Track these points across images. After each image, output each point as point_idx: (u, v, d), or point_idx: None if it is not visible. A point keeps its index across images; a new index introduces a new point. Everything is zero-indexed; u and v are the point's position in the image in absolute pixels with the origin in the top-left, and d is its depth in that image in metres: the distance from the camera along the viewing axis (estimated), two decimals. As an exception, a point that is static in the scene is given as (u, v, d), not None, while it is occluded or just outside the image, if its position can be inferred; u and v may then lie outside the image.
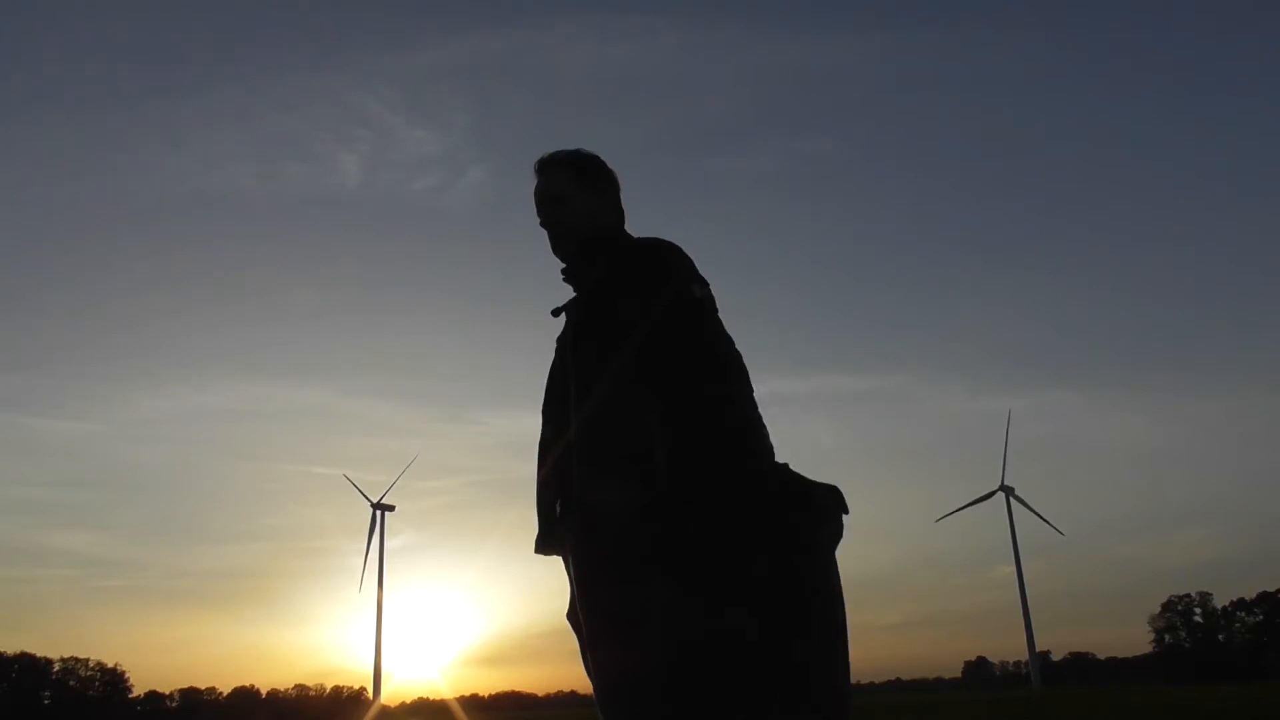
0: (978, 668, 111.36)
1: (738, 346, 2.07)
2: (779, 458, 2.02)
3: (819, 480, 1.96)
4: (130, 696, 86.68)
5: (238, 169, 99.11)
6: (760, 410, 2.06)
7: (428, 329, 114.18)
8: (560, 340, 2.15)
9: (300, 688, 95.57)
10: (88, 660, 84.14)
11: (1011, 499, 49.32)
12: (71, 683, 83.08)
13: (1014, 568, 50.42)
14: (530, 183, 2.23)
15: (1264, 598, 78.07)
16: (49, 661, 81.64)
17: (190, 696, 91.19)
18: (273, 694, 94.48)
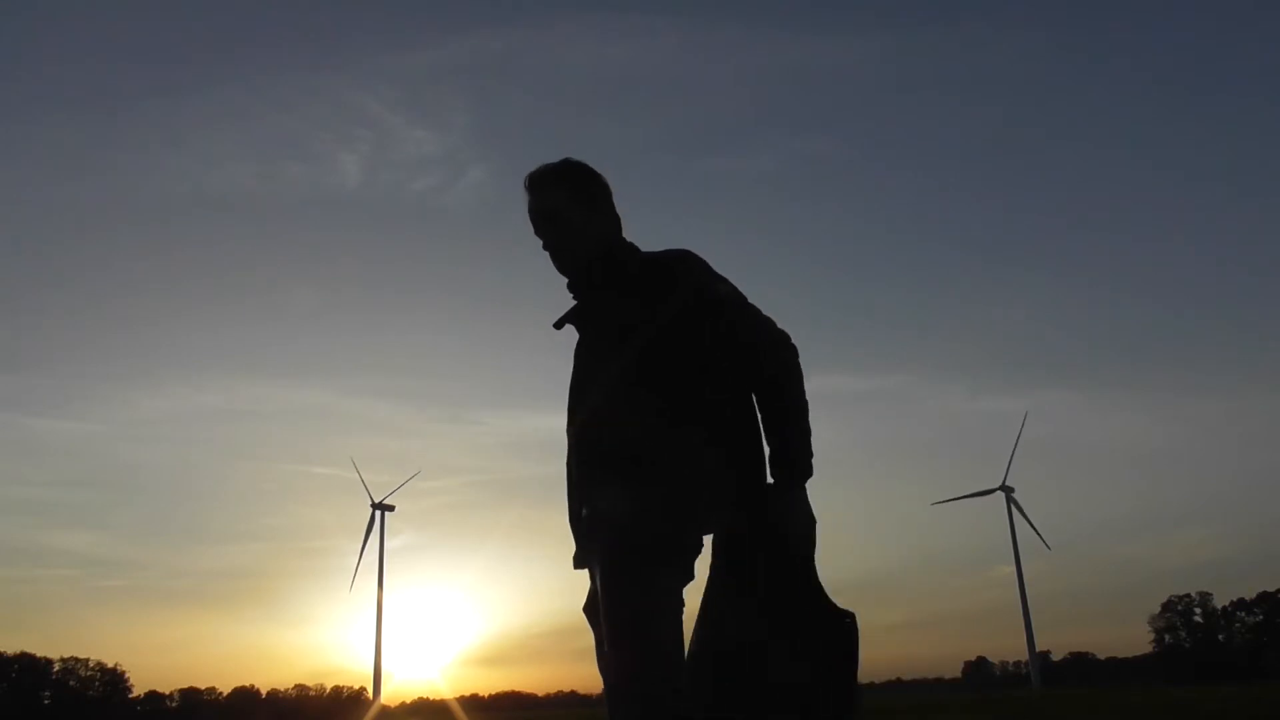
0: (978, 668, 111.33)
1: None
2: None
3: (818, 481, 1.99)
4: (130, 696, 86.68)
5: (238, 169, 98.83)
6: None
7: (428, 329, 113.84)
8: (577, 354, 2.13)
9: (300, 688, 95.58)
10: (88, 660, 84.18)
11: (1010, 500, 49.30)
12: (71, 683, 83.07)
13: (1014, 568, 50.38)
14: (522, 198, 2.15)
15: (1264, 598, 78.05)
16: (49, 661, 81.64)
17: (190, 696, 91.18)
18: (273, 694, 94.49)
